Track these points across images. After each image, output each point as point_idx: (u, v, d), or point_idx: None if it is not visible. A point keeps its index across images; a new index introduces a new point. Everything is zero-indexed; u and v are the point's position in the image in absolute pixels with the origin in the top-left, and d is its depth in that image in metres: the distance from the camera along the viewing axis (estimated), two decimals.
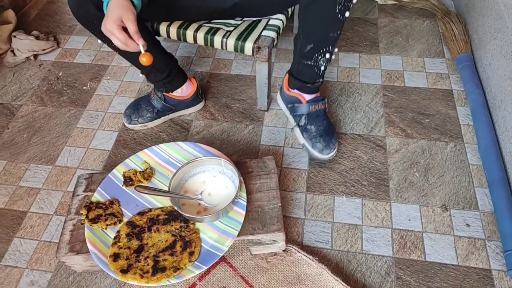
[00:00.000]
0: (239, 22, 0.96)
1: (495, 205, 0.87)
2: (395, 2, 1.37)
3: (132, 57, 0.89)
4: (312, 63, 0.87)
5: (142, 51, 0.73)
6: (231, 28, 0.94)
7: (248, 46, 0.91)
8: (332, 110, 1.10)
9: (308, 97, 0.97)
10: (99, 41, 0.87)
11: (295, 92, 0.98)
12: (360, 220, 0.88)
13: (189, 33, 0.94)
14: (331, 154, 0.96)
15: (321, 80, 0.93)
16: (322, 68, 0.89)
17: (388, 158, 0.99)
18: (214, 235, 0.76)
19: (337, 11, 0.75)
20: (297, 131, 1.00)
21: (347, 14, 0.77)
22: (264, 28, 0.93)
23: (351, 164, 0.98)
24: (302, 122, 0.98)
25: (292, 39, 0.89)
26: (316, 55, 0.85)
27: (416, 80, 1.15)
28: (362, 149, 1.01)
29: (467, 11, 1.24)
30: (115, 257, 0.73)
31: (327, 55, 0.85)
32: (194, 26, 0.94)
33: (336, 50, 0.87)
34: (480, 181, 0.93)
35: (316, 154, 0.96)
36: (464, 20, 1.25)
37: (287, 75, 0.99)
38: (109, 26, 0.71)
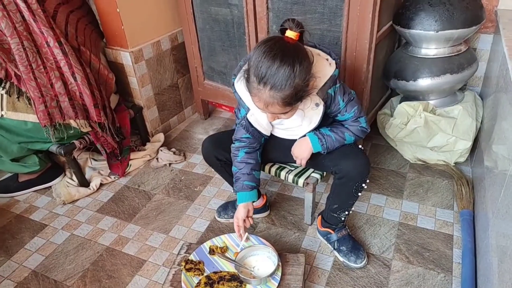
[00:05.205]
0: (298, 165, 1.52)
1: None
2: (424, 163, 1.84)
3: (227, 178, 1.49)
4: (336, 215, 1.37)
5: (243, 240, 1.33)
6: (293, 169, 1.49)
7: (301, 181, 1.44)
8: (357, 233, 1.52)
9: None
10: (212, 169, 1.50)
11: (325, 229, 1.45)
12: None
13: (266, 167, 1.52)
14: (363, 262, 1.36)
15: (342, 224, 1.41)
16: (343, 218, 1.38)
17: (390, 275, 1.35)
18: None
19: (353, 189, 1.27)
20: (335, 252, 1.43)
21: (359, 194, 1.29)
22: (312, 172, 1.47)
23: (362, 274, 1.36)
24: (336, 245, 1.42)
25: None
26: (339, 211, 1.36)
27: (426, 223, 1.54)
28: (372, 264, 1.39)
29: (477, 179, 1.64)
30: None
31: (346, 212, 1.36)
32: (270, 163, 1.53)
33: (352, 209, 1.39)
34: None
35: (352, 265, 1.37)
36: (472, 184, 1.64)
37: (320, 217, 1.48)
38: (239, 218, 1.32)
